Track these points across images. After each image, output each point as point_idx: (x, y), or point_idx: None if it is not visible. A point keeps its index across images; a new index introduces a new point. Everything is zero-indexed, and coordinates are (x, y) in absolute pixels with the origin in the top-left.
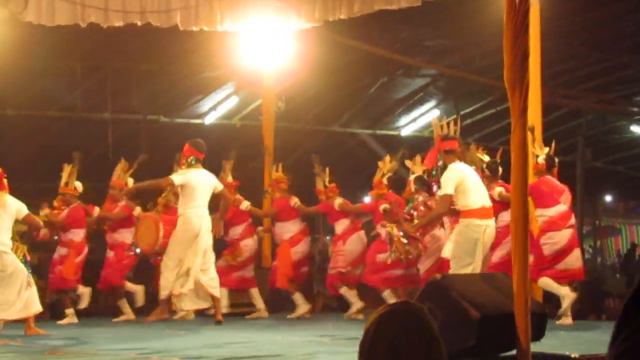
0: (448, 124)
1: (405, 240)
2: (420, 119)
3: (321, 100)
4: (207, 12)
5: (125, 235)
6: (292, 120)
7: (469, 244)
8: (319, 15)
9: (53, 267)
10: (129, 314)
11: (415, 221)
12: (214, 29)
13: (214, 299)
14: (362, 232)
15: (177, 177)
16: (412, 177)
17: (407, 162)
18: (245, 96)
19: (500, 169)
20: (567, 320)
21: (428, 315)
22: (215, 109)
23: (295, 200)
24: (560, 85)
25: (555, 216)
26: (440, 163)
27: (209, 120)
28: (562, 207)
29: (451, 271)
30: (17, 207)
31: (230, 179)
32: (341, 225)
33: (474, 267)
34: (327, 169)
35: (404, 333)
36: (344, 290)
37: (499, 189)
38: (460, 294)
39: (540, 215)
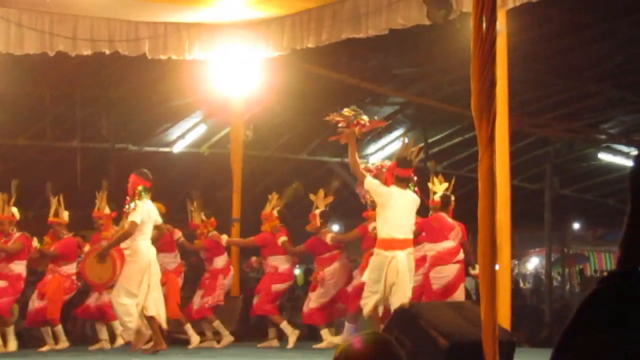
0: (419, 150)
1: None
2: (388, 146)
3: (289, 128)
4: (176, 41)
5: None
6: (260, 148)
7: (377, 273)
8: (287, 43)
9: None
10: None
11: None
12: (182, 57)
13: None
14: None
15: (137, 216)
16: (317, 212)
17: (311, 196)
18: (214, 124)
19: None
20: None
21: (396, 345)
22: (183, 137)
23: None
24: (528, 114)
25: (442, 251)
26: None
27: (177, 148)
28: (450, 243)
29: (363, 294)
30: None
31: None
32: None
33: (381, 295)
34: (197, 203)
35: None
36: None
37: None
38: (428, 322)
39: (430, 249)
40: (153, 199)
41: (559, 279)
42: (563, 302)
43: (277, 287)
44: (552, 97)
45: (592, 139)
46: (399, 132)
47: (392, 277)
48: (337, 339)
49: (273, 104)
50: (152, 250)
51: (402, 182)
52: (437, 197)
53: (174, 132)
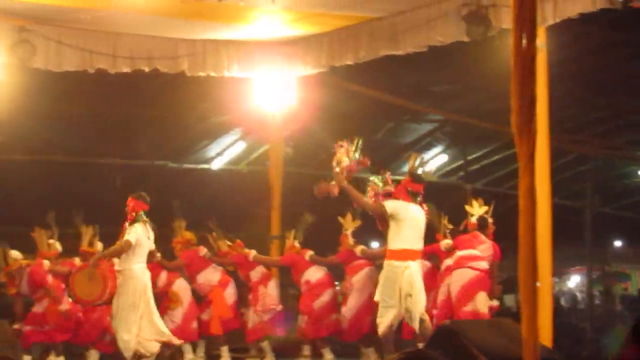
0: (422, 163)
1: None
2: (428, 164)
3: (328, 146)
4: (215, 58)
5: None
6: (300, 165)
7: (390, 287)
8: (325, 60)
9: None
10: None
11: None
12: (221, 74)
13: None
14: None
15: (132, 236)
16: (348, 232)
17: (340, 219)
18: (252, 142)
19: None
20: None
21: None
22: (222, 154)
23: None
24: (568, 131)
25: (462, 255)
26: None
27: (216, 165)
28: (473, 251)
29: (378, 313)
30: None
31: (227, 243)
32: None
33: (398, 309)
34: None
35: None
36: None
37: (446, 241)
38: (470, 340)
39: (455, 257)
40: (193, 215)
41: (599, 297)
42: (603, 321)
43: (318, 302)
44: (592, 114)
45: (633, 156)
46: (437, 149)
47: (407, 287)
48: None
49: (311, 121)
50: (147, 274)
51: (415, 196)
52: (473, 220)
53: (213, 149)
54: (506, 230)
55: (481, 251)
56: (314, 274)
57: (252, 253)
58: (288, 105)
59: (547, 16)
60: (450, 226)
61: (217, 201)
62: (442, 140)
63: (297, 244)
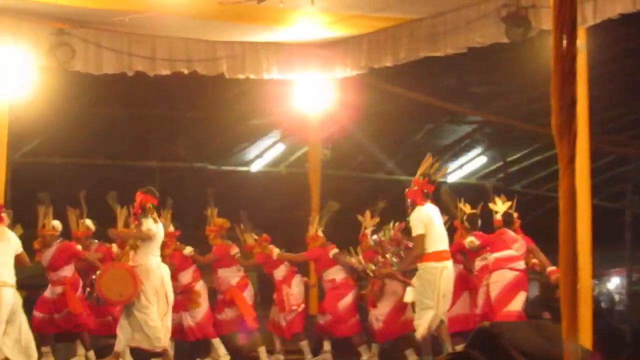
0: (433, 165)
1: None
2: (466, 165)
3: (366, 148)
4: (254, 60)
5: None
6: (338, 167)
7: (428, 288)
8: (365, 62)
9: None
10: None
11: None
12: (260, 76)
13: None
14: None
15: (152, 226)
16: (368, 231)
17: (359, 217)
18: (292, 144)
19: (479, 222)
20: None
21: None
22: (261, 156)
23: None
24: (608, 132)
25: (500, 257)
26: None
27: (255, 167)
28: (510, 252)
29: (415, 316)
30: (17, 242)
31: (171, 228)
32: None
33: (435, 310)
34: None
35: None
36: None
37: (470, 238)
38: (509, 342)
39: (491, 258)
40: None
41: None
42: None
43: (343, 303)
44: (632, 115)
45: None
46: (477, 150)
47: (445, 287)
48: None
49: (350, 123)
50: (164, 268)
51: (429, 197)
52: (498, 216)
53: (252, 151)
54: (546, 232)
55: (516, 250)
56: (339, 272)
57: (276, 251)
58: (327, 107)
59: (588, 17)
60: (469, 210)
61: (256, 203)
62: (481, 142)
63: (320, 233)
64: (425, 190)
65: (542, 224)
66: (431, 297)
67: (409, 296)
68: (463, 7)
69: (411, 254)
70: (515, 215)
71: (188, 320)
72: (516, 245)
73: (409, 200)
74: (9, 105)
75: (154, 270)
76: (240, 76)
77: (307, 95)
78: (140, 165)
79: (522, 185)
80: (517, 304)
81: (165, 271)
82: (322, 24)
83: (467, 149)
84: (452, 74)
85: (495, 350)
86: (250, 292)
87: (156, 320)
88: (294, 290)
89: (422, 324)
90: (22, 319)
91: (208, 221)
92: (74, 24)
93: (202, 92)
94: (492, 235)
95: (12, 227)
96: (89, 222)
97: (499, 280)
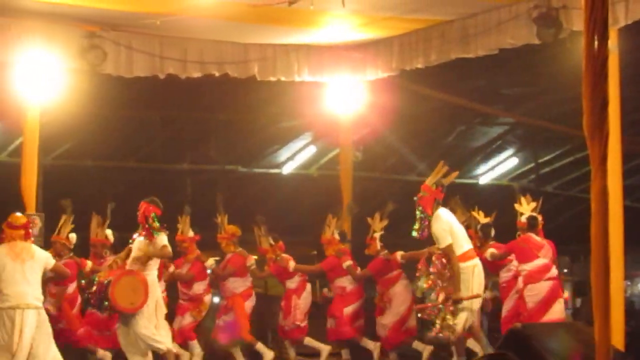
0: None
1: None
2: (498, 167)
3: (398, 150)
4: (285, 63)
5: None
6: (369, 169)
7: (462, 288)
8: (396, 64)
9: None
10: None
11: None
12: (291, 78)
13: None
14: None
15: (165, 239)
16: (377, 235)
17: (369, 220)
18: (323, 146)
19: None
20: None
21: None
22: (293, 158)
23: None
24: (639, 133)
25: (533, 270)
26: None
27: (286, 170)
28: (541, 261)
29: (451, 314)
30: (45, 257)
31: (191, 233)
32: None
33: (470, 309)
34: (263, 228)
35: None
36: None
37: (490, 250)
38: (541, 344)
39: (522, 269)
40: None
41: None
42: None
43: (349, 309)
44: None
45: None
46: (508, 152)
47: (478, 284)
48: None
49: (381, 125)
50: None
51: (440, 204)
52: (523, 219)
53: (284, 154)
54: (578, 234)
55: (543, 256)
56: (350, 283)
57: (292, 264)
58: (358, 109)
59: (619, 18)
60: (482, 219)
61: (288, 206)
62: (513, 143)
63: (336, 236)
64: (437, 199)
65: (574, 225)
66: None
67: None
68: (494, 9)
69: (452, 267)
70: (540, 217)
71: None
72: (543, 252)
73: (420, 207)
74: (40, 109)
75: (154, 286)
76: (272, 78)
77: (339, 97)
78: (171, 168)
79: (554, 186)
80: (555, 312)
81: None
82: (353, 26)
83: (498, 150)
84: (484, 76)
85: (528, 351)
86: (251, 303)
87: (156, 333)
88: (302, 303)
89: (459, 323)
90: (50, 339)
91: (219, 228)
92: (105, 26)
93: (234, 94)
94: (515, 242)
95: (43, 231)
96: (108, 232)
97: (536, 293)
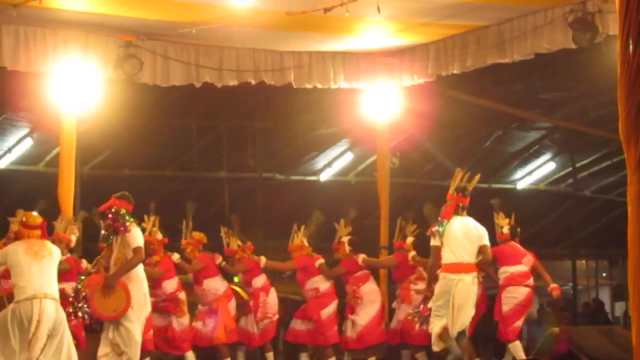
0: (463, 177)
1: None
2: (536, 171)
3: (435, 155)
4: (321, 70)
5: None
6: (406, 175)
7: (443, 297)
8: (432, 70)
9: None
10: None
11: None
12: (327, 85)
13: None
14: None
15: (139, 240)
16: (345, 239)
17: (336, 225)
18: (360, 152)
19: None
20: None
21: None
22: (330, 165)
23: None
24: None
25: (515, 273)
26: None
27: (324, 177)
28: (522, 267)
29: (431, 319)
30: (58, 253)
31: (159, 235)
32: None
33: (447, 318)
34: (236, 229)
35: None
36: None
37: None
38: (579, 348)
39: (504, 272)
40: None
41: None
42: None
43: (326, 312)
44: None
45: None
46: (546, 157)
47: (459, 299)
48: None
49: (418, 130)
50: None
51: (464, 210)
52: (505, 230)
53: (321, 161)
54: (616, 238)
55: (525, 264)
56: (323, 282)
57: (263, 260)
58: (395, 115)
59: None
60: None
61: (325, 212)
62: (550, 148)
63: (306, 243)
64: (461, 204)
65: (612, 229)
66: (445, 307)
67: (431, 303)
68: (529, 14)
69: (430, 265)
70: (519, 229)
71: (175, 326)
72: (525, 260)
73: (441, 218)
74: (77, 118)
75: (142, 278)
76: (308, 85)
77: (375, 104)
78: (209, 176)
79: (592, 190)
80: (523, 320)
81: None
82: (388, 32)
83: (536, 155)
84: (520, 80)
85: (565, 356)
86: (234, 304)
87: (139, 335)
88: (271, 300)
89: (435, 328)
90: (66, 334)
91: (184, 234)
92: (141, 36)
93: (270, 102)
94: (501, 247)
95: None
96: (73, 237)
97: (515, 295)
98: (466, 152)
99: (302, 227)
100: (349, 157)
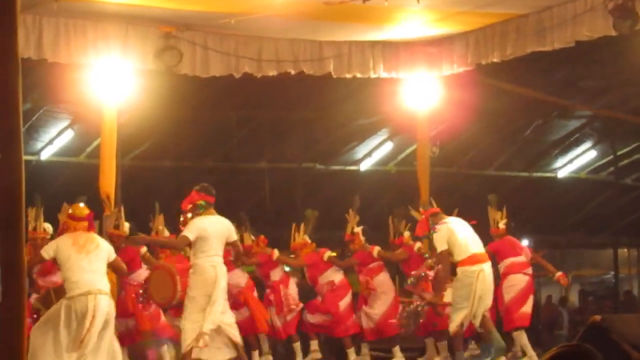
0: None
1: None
2: (576, 160)
3: (475, 144)
4: (360, 60)
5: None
6: (447, 164)
7: (464, 290)
8: (472, 58)
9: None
10: None
11: None
12: (367, 75)
13: (237, 345)
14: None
15: (191, 233)
16: (358, 230)
17: (347, 216)
18: (400, 142)
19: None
20: None
21: (599, 358)
22: (370, 155)
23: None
24: None
25: (515, 262)
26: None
27: (364, 166)
28: (521, 258)
29: (451, 315)
30: (109, 249)
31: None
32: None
33: (469, 310)
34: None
35: None
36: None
37: None
38: (620, 336)
39: (504, 264)
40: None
41: None
42: None
43: (343, 303)
44: None
45: None
46: (586, 145)
47: (481, 290)
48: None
49: (458, 120)
50: (221, 268)
51: (439, 214)
52: (502, 225)
53: (361, 150)
54: None
55: (525, 256)
56: (336, 275)
57: (276, 253)
58: (434, 104)
59: None
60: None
61: (366, 202)
62: (591, 136)
63: (308, 240)
64: (432, 214)
65: None
66: (466, 299)
67: (451, 297)
68: (570, 1)
69: (442, 271)
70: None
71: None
72: (524, 252)
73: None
74: (118, 110)
75: (207, 270)
76: (347, 75)
77: (415, 93)
78: (249, 166)
79: (633, 178)
80: (529, 306)
81: (222, 272)
82: (427, 21)
83: (576, 143)
84: (560, 69)
85: (606, 344)
86: (256, 293)
87: (192, 328)
88: (291, 291)
89: (455, 321)
90: (112, 328)
91: (152, 230)
92: (181, 27)
93: (310, 92)
94: (499, 242)
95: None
96: (126, 225)
97: (515, 284)
98: (506, 141)
99: (302, 226)
100: (388, 146)
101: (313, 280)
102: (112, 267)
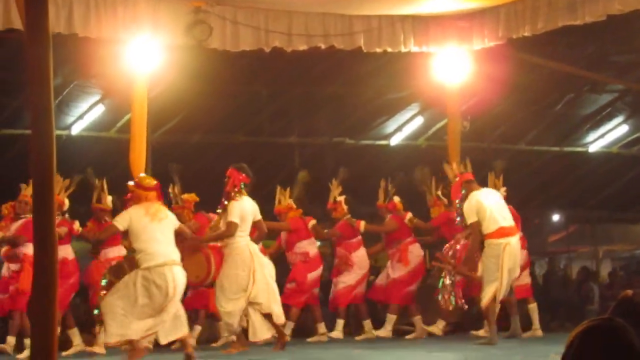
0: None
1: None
2: (608, 134)
3: (506, 119)
4: (390, 34)
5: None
6: (477, 139)
7: (492, 262)
8: (503, 32)
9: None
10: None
11: None
12: (397, 49)
13: (276, 326)
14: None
15: (236, 217)
16: (341, 199)
17: (330, 185)
18: (431, 116)
19: None
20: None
21: (631, 332)
22: (400, 129)
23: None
24: None
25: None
26: (463, 192)
27: (394, 141)
28: (520, 233)
29: (483, 287)
30: (174, 218)
31: (109, 202)
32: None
33: (499, 282)
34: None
35: (607, 349)
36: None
37: None
38: None
39: None
40: (369, 192)
41: None
42: None
43: (311, 276)
44: None
45: None
46: (618, 119)
47: (509, 262)
48: (382, 332)
49: (489, 94)
50: (253, 246)
51: (473, 183)
52: (502, 192)
53: (391, 125)
54: None
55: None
56: (312, 247)
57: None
58: (465, 78)
59: None
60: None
61: (396, 177)
62: (622, 111)
63: (293, 204)
64: (465, 180)
65: None
66: (495, 271)
67: (480, 270)
68: None
69: (472, 243)
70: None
71: None
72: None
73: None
74: (148, 85)
75: (243, 250)
76: (378, 50)
77: (446, 67)
78: (279, 141)
79: None
80: (528, 277)
81: (255, 250)
82: None
83: (608, 118)
84: (592, 43)
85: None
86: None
87: (235, 308)
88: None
89: (487, 295)
90: (180, 296)
91: (173, 199)
92: (210, 1)
93: (340, 66)
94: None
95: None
96: (109, 198)
97: (522, 259)
98: (537, 116)
99: (287, 191)
100: (419, 121)
101: (289, 245)
102: (177, 234)
